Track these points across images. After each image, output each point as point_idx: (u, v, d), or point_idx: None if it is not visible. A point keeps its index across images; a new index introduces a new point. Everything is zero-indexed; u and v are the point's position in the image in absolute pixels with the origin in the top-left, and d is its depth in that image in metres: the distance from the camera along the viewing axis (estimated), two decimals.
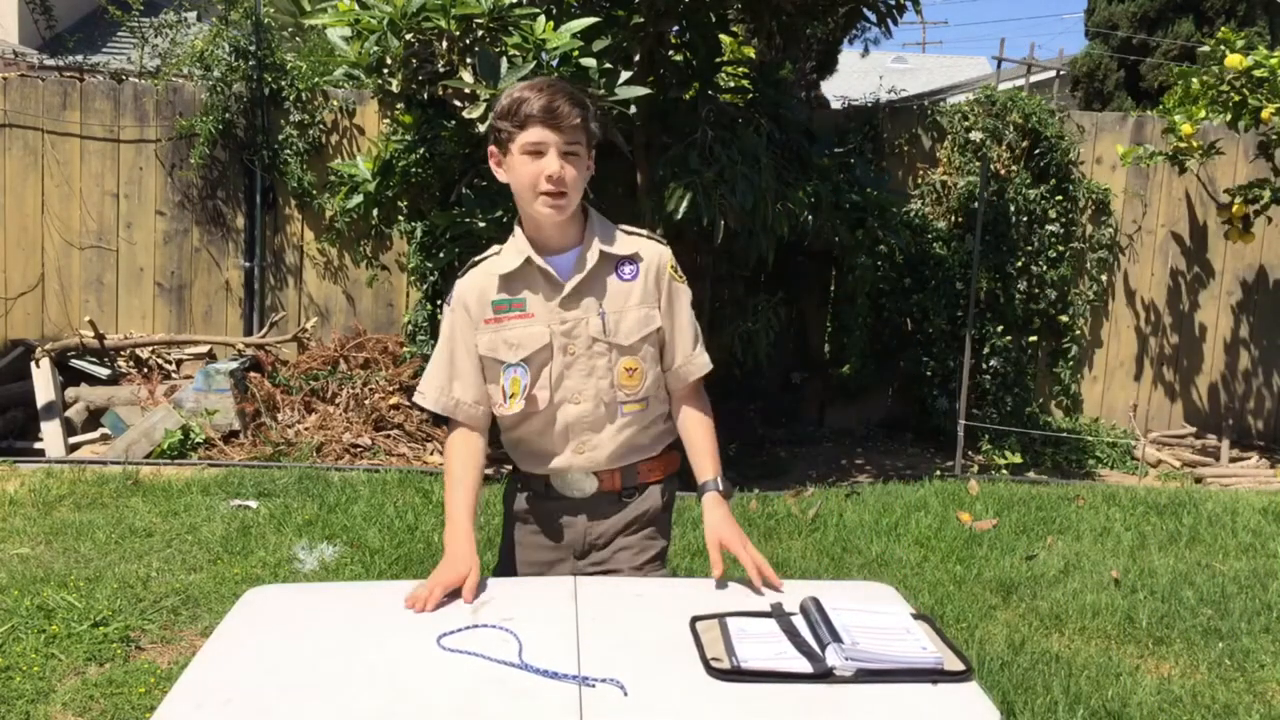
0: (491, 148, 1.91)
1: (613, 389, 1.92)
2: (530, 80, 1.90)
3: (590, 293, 1.91)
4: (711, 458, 1.99)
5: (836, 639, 1.51)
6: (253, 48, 6.71)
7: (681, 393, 2.03)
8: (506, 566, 2.07)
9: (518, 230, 1.94)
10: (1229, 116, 6.08)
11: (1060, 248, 6.79)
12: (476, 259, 1.98)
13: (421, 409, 2.02)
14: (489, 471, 2.11)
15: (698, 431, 2.01)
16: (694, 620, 1.62)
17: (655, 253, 1.97)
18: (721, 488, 1.95)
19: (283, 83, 6.76)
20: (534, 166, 1.82)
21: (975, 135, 6.74)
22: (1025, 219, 6.73)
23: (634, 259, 1.94)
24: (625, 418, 1.95)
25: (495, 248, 1.98)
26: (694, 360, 2.01)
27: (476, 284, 1.94)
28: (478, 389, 1.95)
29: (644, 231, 2.00)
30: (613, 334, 1.91)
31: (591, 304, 1.90)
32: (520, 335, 1.91)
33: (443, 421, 6.13)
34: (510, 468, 2.10)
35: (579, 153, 1.85)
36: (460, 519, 1.88)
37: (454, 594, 1.72)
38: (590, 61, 4.48)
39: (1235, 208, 6.37)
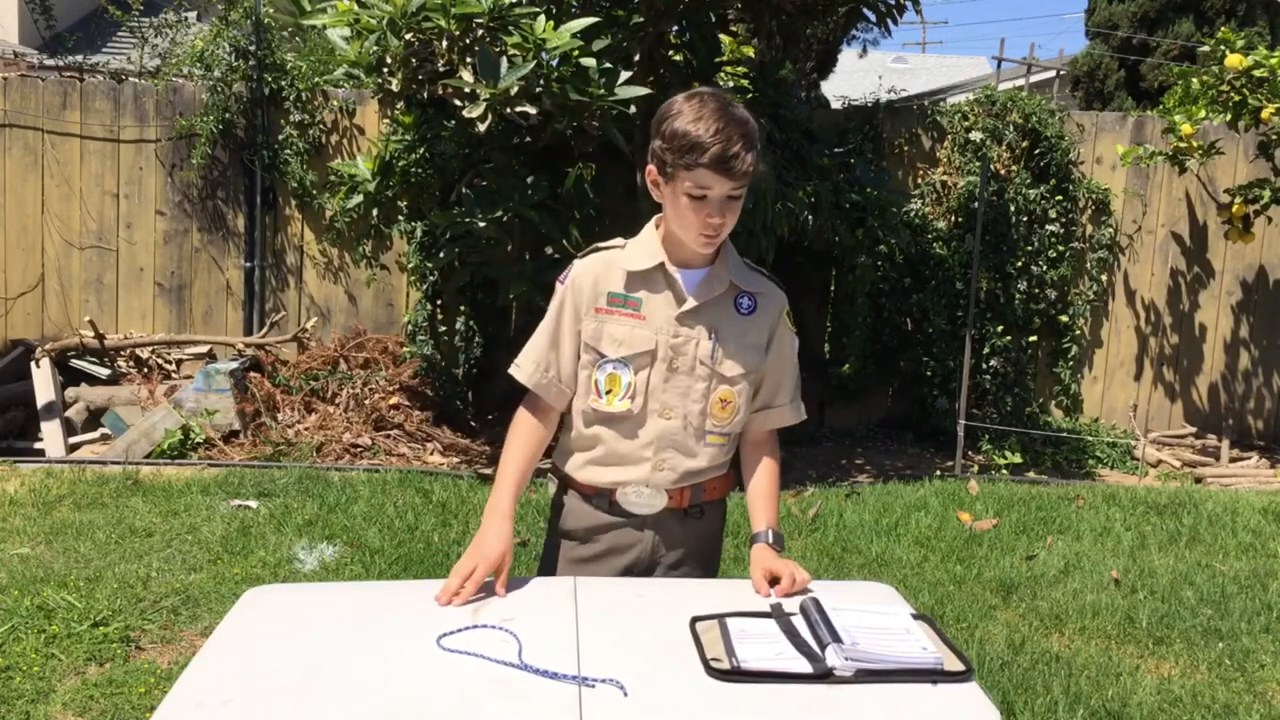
0: (651, 166, 1.85)
1: (703, 416, 1.91)
2: (702, 107, 1.78)
3: (708, 316, 1.89)
4: (771, 510, 1.97)
5: (836, 639, 1.51)
6: (253, 48, 6.71)
7: (761, 436, 2.04)
8: None
9: (653, 231, 1.92)
10: (1229, 116, 6.08)
11: (1060, 248, 6.79)
12: (599, 245, 1.95)
13: (514, 381, 1.96)
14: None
15: (767, 482, 2.01)
16: (694, 620, 1.62)
17: (776, 296, 1.98)
18: (772, 540, 1.90)
19: (283, 83, 6.75)
20: (697, 210, 1.79)
21: (975, 135, 6.74)
22: (1025, 219, 6.73)
23: (755, 295, 1.95)
24: (708, 448, 1.93)
25: (619, 240, 1.95)
26: (789, 409, 2.04)
27: (596, 269, 1.91)
28: (572, 372, 1.93)
29: (766, 272, 2.00)
30: (719, 362, 1.90)
31: (706, 327, 1.89)
32: (627, 334, 1.88)
33: (444, 420, 6.18)
34: (558, 482, 2.02)
35: (742, 196, 1.82)
36: (504, 497, 1.86)
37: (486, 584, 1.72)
38: (590, 61, 4.48)
39: (1235, 208, 6.37)
